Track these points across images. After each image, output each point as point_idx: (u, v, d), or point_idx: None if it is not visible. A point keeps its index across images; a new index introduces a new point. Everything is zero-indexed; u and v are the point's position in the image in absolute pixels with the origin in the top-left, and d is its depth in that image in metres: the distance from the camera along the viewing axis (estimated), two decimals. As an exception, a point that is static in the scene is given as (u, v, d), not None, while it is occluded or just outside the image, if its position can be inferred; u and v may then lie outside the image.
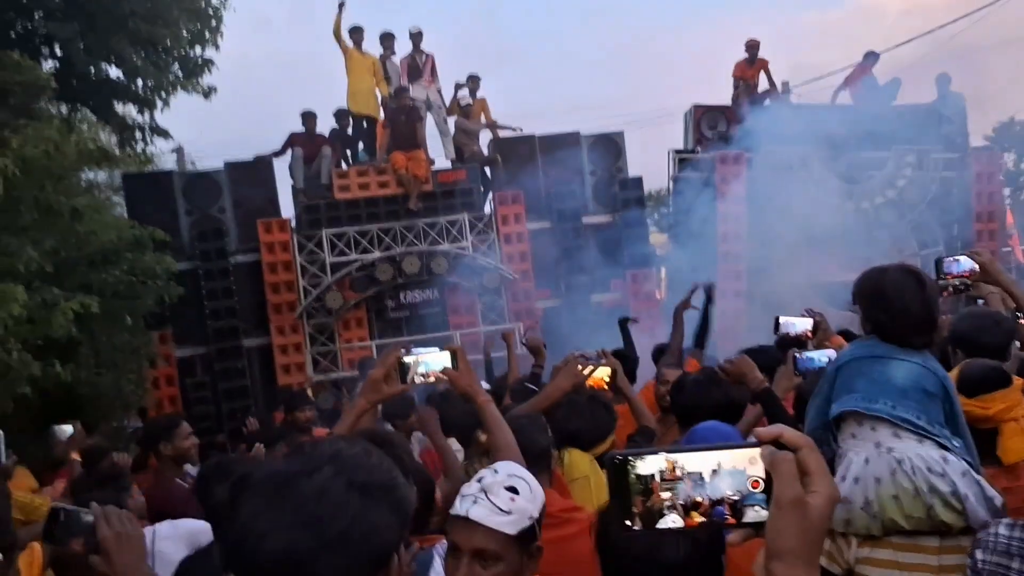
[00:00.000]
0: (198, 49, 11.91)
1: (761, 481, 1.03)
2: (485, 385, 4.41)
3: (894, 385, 2.93)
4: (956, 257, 3.95)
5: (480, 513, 2.13)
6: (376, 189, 11.73)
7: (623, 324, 7.05)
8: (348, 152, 12.57)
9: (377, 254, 11.52)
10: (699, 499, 1.03)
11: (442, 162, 12.57)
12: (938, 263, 4.01)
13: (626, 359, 5.54)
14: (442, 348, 3.15)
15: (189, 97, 11.94)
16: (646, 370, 6.48)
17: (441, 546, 2.51)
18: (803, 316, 4.81)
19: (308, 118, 12.00)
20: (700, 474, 1.03)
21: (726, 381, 3.69)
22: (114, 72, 11.56)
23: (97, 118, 11.63)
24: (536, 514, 2.18)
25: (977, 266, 3.79)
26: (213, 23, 11.91)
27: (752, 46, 13.28)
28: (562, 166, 12.29)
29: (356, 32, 12.26)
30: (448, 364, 3.07)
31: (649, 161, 16.87)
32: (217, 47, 12.14)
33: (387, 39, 12.61)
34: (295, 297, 11.42)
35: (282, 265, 11.44)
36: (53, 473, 6.04)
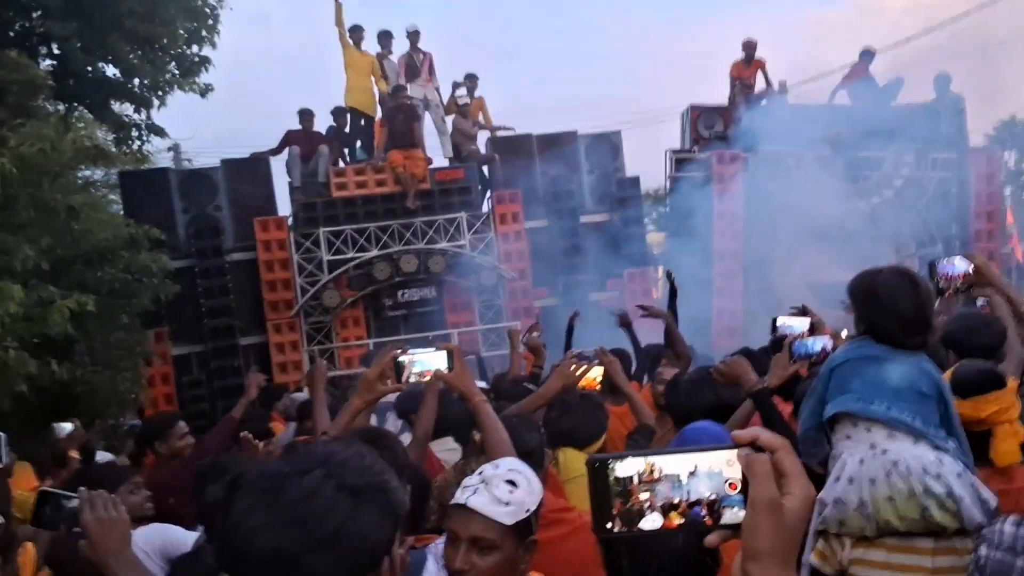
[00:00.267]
0: (195, 48, 11.89)
1: (738, 483, 1.04)
2: (481, 384, 4.41)
3: (889, 386, 2.94)
4: (951, 259, 3.94)
5: (479, 502, 2.19)
6: (374, 187, 11.74)
7: (625, 325, 7.06)
8: (346, 150, 12.57)
9: (374, 252, 11.53)
10: (677, 501, 1.04)
11: (440, 161, 12.60)
12: (931, 265, 4.01)
13: (624, 357, 5.55)
14: (438, 348, 3.16)
15: (185, 95, 11.93)
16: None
17: (435, 546, 2.51)
18: (791, 313, 4.81)
19: (305, 116, 12.00)
20: (678, 476, 1.04)
21: (719, 381, 3.69)
22: (111, 71, 11.55)
23: (94, 116, 11.59)
24: (533, 507, 2.24)
25: (972, 268, 3.78)
26: (210, 22, 11.89)
27: (749, 46, 13.28)
28: (560, 165, 12.31)
29: (356, 31, 12.28)
30: (444, 363, 3.08)
31: (647, 161, 16.84)
32: (214, 45, 12.12)
33: (385, 38, 12.61)
34: (292, 295, 11.43)
35: (279, 263, 11.44)
36: (56, 469, 6.07)
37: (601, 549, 2.24)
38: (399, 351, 3.15)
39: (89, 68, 11.33)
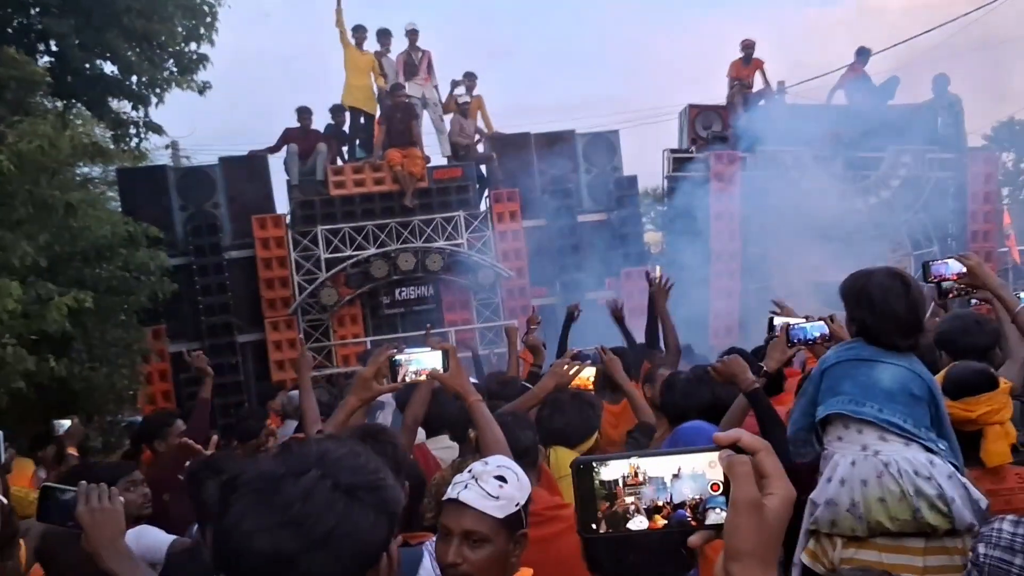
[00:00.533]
0: (193, 45, 11.89)
1: (721, 484, 1.05)
2: (473, 380, 4.42)
3: (881, 388, 2.96)
4: (944, 260, 3.95)
5: (470, 496, 2.24)
6: (371, 186, 11.73)
7: (617, 317, 7.06)
8: (344, 149, 12.57)
9: (372, 251, 11.53)
10: (661, 503, 1.05)
11: (438, 159, 12.60)
12: (925, 266, 4.02)
13: (624, 355, 5.55)
14: (432, 348, 3.17)
15: (184, 93, 11.93)
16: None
17: (431, 543, 2.53)
18: (773, 312, 4.83)
19: (304, 114, 12.00)
20: (662, 479, 1.06)
21: (715, 380, 3.70)
22: (109, 68, 11.54)
23: (92, 113, 11.59)
24: (522, 501, 2.29)
25: (965, 269, 3.79)
26: (208, 19, 11.89)
27: (748, 46, 13.29)
28: (558, 164, 12.31)
29: (359, 31, 12.29)
30: (439, 363, 3.09)
31: (644, 160, 16.86)
32: (212, 43, 12.13)
33: (384, 36, 12.60)
34: (289, 293, 11.43)
35: (276, 261, 11.45)
36: (54, 466, 6.08)
37: (581, 540, 2.26)
38: (395, 350, 3.17)
39: (87, 65, 11.33)
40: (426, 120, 12.48)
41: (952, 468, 2.88)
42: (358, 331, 11.62)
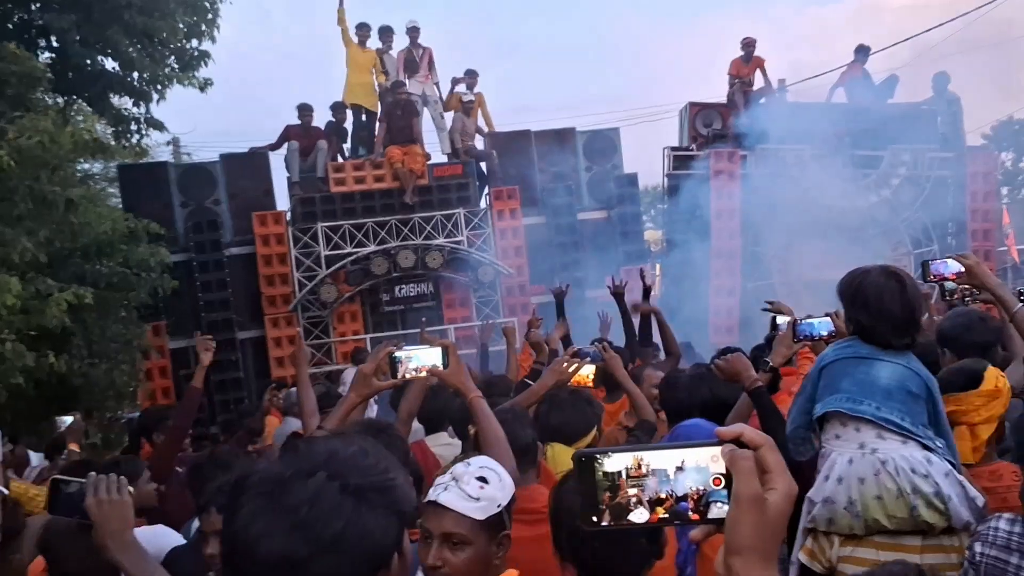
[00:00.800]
0: (194, 42, 11.88)
1: (723, 478, 1.06)
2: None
3: (879, 386, 2.96)
4: (944, 259, 3.95)
5: (449, 498, 2.21)
6: (372, 183, 11.74)
7: (618, 295, 7.08)
8: (345, 146, 12.57)
9: (372, 248, 11.54)
10: (663, 495, 1.06)
11: (438, 156, 12.59)
12: (924, 265, 4.02)
13: (624, 354, 5.55)
14: (432, 345, 3.17)
15: (185, 90, 11.91)
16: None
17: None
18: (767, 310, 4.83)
19: (304, 111, 11.99)
20: (665, 471, 1.06)
21: (715, 379, 3.71)
22: (110, 64, 11.51)
23: (92, 110, 11.59)
24: (504, 502, 2.26)
25: (964, 269, 3.79)
26: (209, 16, 11.88)
27: (748, 44, 13.27)
28: (557, 162, 12.31)
29: (362, 29, 12.30)
30: (439, 360, 3.09)
31: (645, 158, 16.87)
32: (213, 40, 12.11)
33: (385, 33, 12.60)
34: (289, 290, 11.44)
35: (277, 258, 11.46)
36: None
37: (552, 529, 2.25)
38: (394, 346, 3.17)
39: (88, 61, 11.31)
40: (426, 117, 12.48)
41: (949, 466, 2.88)
42: (358, 328, 11.64)
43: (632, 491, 1.06)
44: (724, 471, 1.06)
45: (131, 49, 10.97)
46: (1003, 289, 3.86)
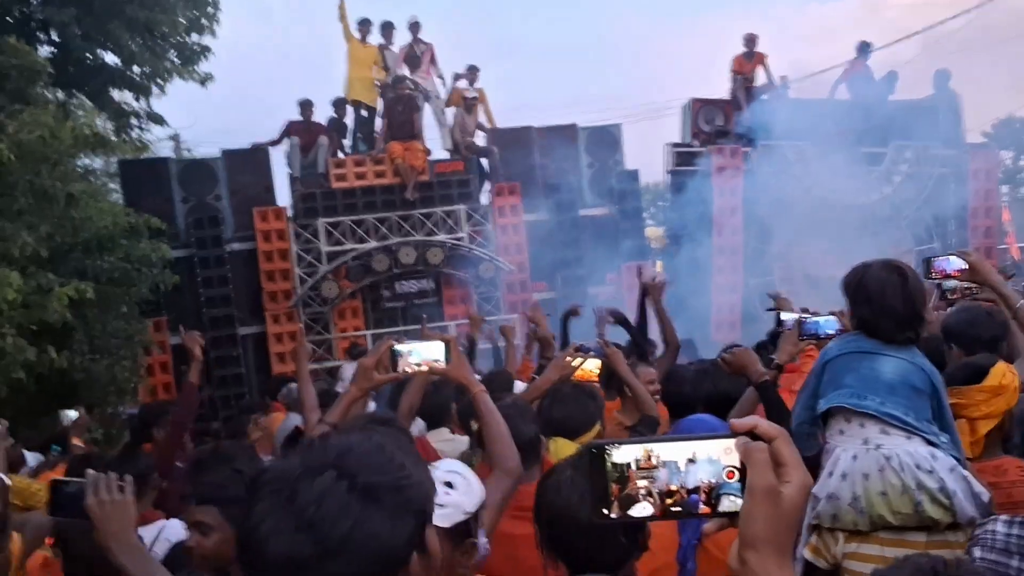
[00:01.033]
0: (195, 36, 11.87)
1: (736, 471, 1.04)
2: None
3: (883, 381, 2.94)
4: (946, 256, 3.94)
5: None
6: (373, 179, 11.73)
7: (619, 322, 7.03)
8: (346, 142, 12.56)
9: (373, 244, 11.53)
10: (674, 487, 1.04)
11: (439, 152, 12.58)
12: (927, 261, 4.01)
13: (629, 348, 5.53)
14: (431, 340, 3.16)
15: (185, 84, 11.91)
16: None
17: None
18: (771, 305, 4.82)
19: (305, 107, 11.98)
20: (676, 463, 1.05)
21: (718, 373, 3.70)
22: (110, 58, 11.53)
23: (93, 104, 11.59)
24: (471, 509, 2.16)
25: (966, 265, 3.78)
26: (210, 10, 11.87)
27: (750, 40, 13.25)
28: (559, 158, 12.29)
29: (364, 24, 12.29)
30: (441, 354, 3.07)
31: (646, 154, 16.85)
32: (214, 34, 12.11)
33: (387, 29, 12.58)
34: (290, 286, 11.43)
35: (278, 253, 11.45)
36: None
37: (536, 525, 2.21)
38: (395, 341, 3.15)
39: (89, 55, 11.31)
40: (427, 113, 12.46)
41: (954, 461, 2.87)
42: (359, 324, 11.63)
43: (642, 483, 1.05)
44: (737, 464, 1.04)
45: (132, 43, 10.97)
46: (1005, 287, 3.84)
